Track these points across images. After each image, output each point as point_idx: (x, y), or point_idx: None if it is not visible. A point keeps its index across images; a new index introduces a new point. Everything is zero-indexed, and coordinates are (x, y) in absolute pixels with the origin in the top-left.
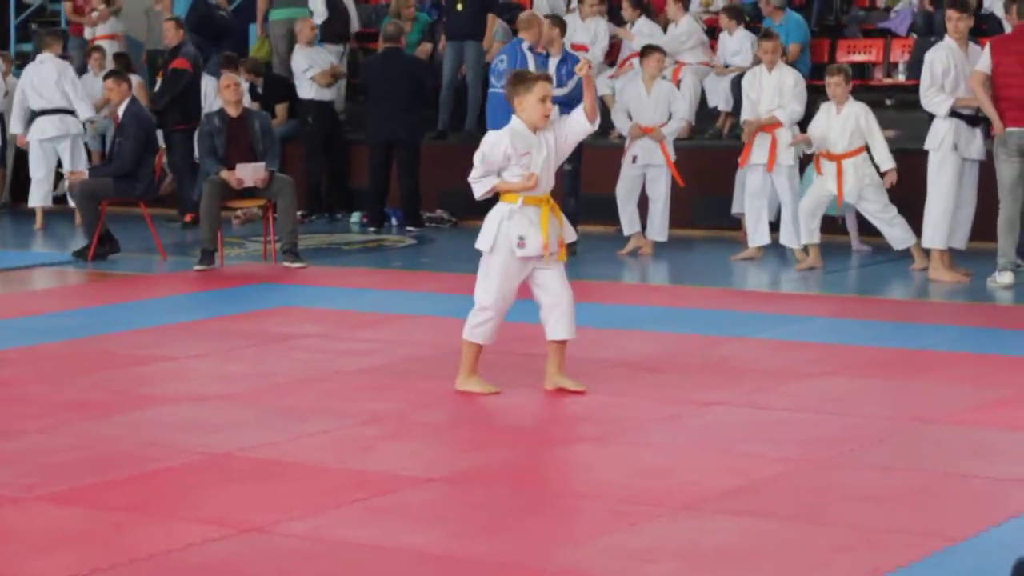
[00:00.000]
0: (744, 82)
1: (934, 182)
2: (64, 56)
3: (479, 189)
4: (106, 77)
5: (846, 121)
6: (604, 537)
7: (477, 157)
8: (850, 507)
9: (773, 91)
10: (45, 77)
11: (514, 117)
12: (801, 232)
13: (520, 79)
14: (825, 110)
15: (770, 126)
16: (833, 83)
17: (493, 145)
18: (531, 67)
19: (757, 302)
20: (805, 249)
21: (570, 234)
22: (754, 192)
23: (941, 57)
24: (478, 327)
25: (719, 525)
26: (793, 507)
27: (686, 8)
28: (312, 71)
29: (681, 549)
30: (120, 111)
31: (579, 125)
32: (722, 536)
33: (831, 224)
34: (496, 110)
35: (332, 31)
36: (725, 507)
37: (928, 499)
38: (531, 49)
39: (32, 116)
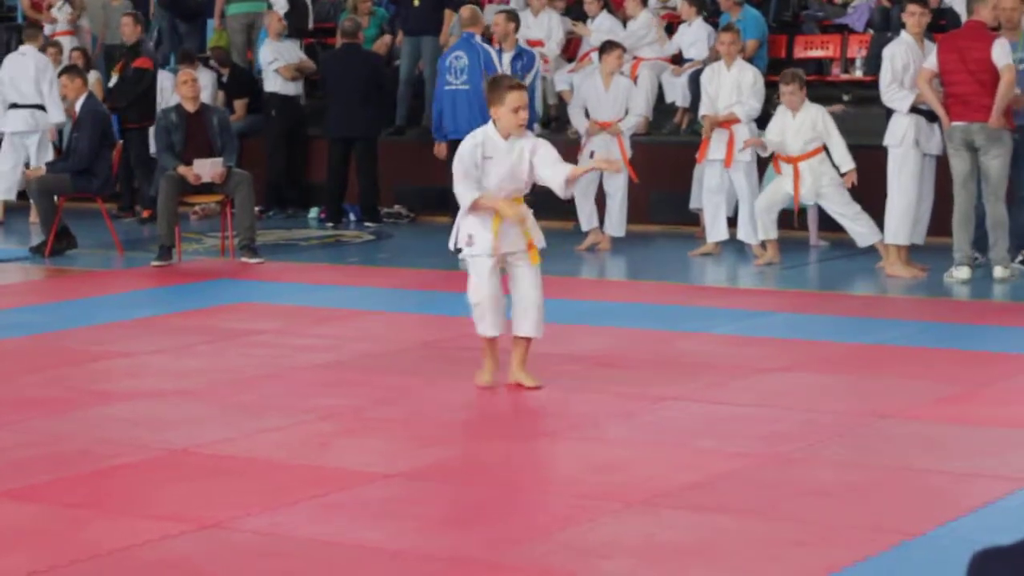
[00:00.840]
0: (703, 77)
1: (896, 178)
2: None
3: (462, 200)
4: (61, 74)
5: (802, 125)
6: (560, 532)
7: (455, 161)
8: (806, 502)
9: (731, 87)
10: (25, 71)
11: (490, 122)
12: (759, 228)
13: (494, 87)
14: (781, 114)
15: (728, 122)
16: (788, 92)
17: (469, 148)
18: (494, 60)
19: (715, 297)
20: (763, 245)
21: (539, 239)
22: (712, 188)
23: (900, 53)
24: (477, 322)
25: (675, 520)
26: (749, 502)
27: (644, 3)
28: (277, 63)
29: (637, 544)
30: (77, 107)
31: (553, 181)
32: (678, 531)
33: (789, 220)
34: (453, 106)
35: (291, 25)
36: (681, 502)
37: (884, 494)
38: (487, 42)
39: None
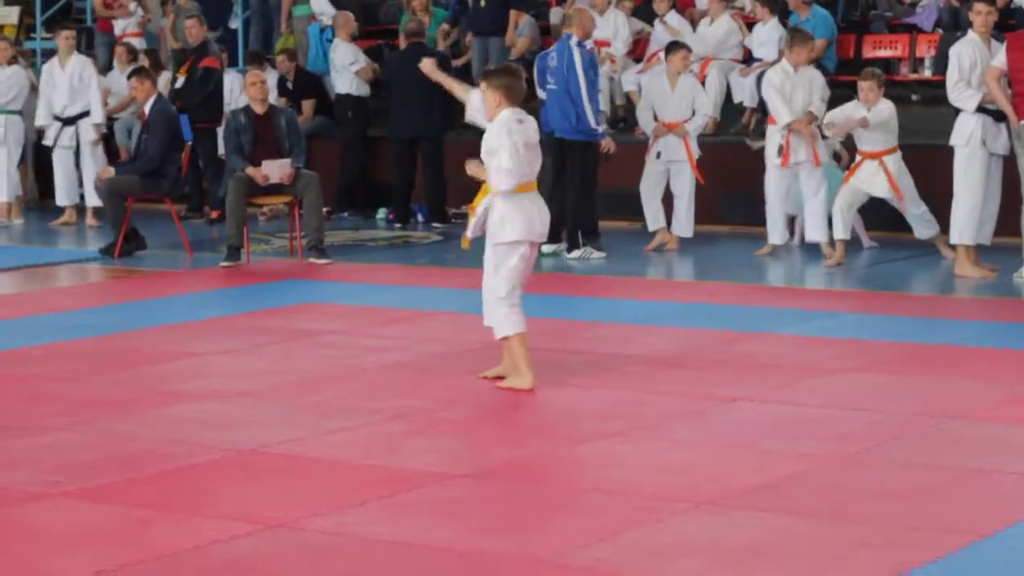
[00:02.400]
0: (776, 81)
1: (962, 178)
2: (90, 53)
3: None
4: (130, 76)
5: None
6: (628, 533)
7: None
8: (874, 503)
9: (805, 88)
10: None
11: None
12: (838, 226)
13: None
14: (854, 110)
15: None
16: (866, 87)
17: None
18: (576, 62)
19: (782, 298)
20: (832, 244)
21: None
22: (778, 190)
23: (967, 51)
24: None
25: (742, 521)
26: (816, 503)
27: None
28: (357, 65)
29: (704, 545)
30: (146, 108)
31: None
32: (745, 532)
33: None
34: (550, 108)
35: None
36: (748, 503)
37: (952, 495)
38: (579, 44)
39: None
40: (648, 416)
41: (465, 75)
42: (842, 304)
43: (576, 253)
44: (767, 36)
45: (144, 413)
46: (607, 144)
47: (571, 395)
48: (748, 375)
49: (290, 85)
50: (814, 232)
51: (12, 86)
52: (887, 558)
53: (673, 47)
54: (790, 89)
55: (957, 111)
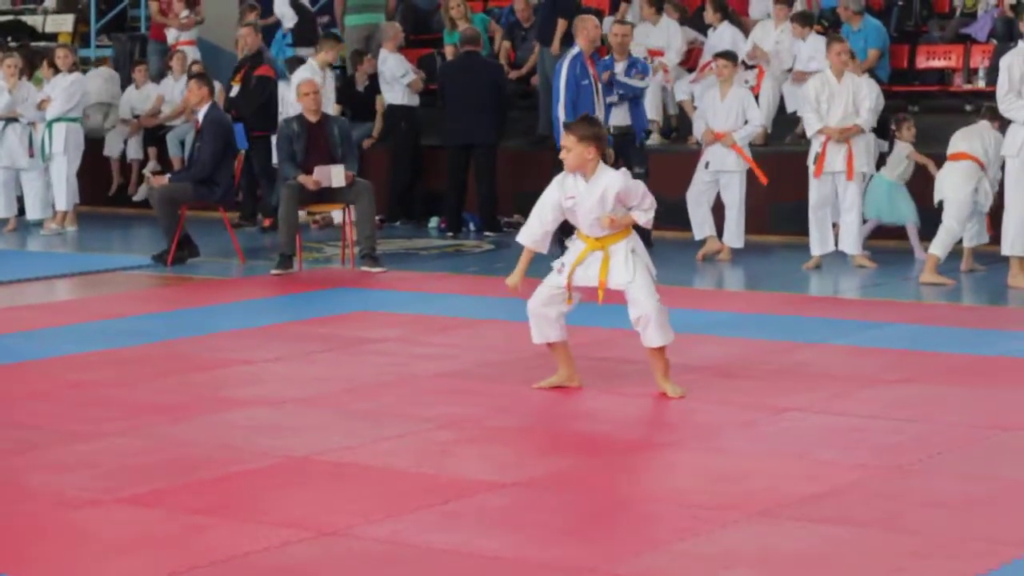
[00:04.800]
0: (809, 90)
1: (1014, 188)
2: (143, 60)
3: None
4: (189, 79)
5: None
6: (679, 542)
7: None
8: (927, 514)
9: (848, 97)
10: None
11: None
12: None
13: None
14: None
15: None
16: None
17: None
18: (561, 71)
19: (833, 308)
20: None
21: (618, 277)
22: (821, 201)
23: (1018, 62)
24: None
25: (795, 531)
26: (869, 514)
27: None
28: (408, 77)
29: (756, 555)
30: (200, 116)
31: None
32: (798, 542)
33: (897, 232)
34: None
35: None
36: (801, 513)
37: (1006, 506)
38: (577, 56)
39: None
40: (699, 425)
41: (525, 84)
42: (892, 315)
43: None
44: (813, 50)
45: (197, 419)
46: None
47: (621, 404)
48: (799, 385)
49: (360, 88)
50: (846, 244)
51: (73, 94)
52: (940, 569)
53: (716, 56)
54: (827, 97)
55: (1009, 122)
